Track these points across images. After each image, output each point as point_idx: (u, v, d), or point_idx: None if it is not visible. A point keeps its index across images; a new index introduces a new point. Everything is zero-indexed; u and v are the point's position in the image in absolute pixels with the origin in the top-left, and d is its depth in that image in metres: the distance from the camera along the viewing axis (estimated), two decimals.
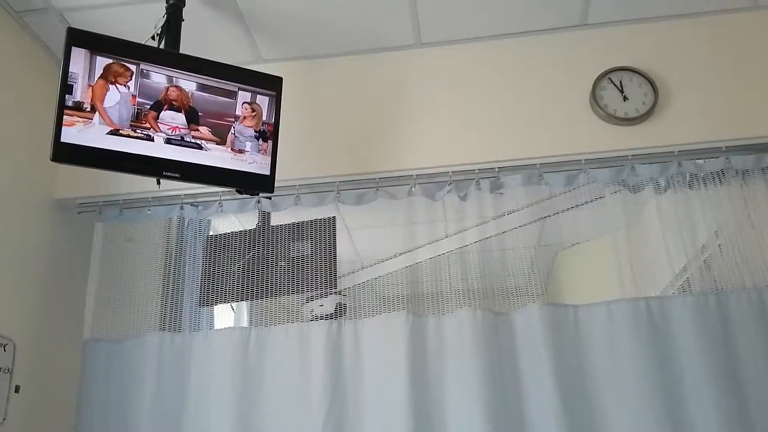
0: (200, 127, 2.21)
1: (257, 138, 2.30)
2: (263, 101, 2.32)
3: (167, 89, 2.16)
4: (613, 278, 2.43)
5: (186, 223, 2.70)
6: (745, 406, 2.12)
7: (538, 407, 2.21)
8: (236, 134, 2.26)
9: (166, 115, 2.16)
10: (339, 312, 2.62)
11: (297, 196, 2.60)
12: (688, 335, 2.22)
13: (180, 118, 2.18)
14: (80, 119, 2.04)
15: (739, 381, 2.15)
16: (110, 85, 2.09)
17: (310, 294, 2.58)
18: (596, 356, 2.26)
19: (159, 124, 2.14)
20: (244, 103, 2.28)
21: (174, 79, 2.18)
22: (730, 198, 2.45)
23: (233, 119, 2.26)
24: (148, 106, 2.14)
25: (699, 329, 2.21)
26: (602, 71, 2.56)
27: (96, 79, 2.07)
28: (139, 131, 2.12)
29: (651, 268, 2.49)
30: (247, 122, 2.27)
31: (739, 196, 2.45)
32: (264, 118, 2.32)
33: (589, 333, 2.29)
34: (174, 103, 2.17)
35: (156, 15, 2.32)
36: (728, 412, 2.10)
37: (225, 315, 2.72)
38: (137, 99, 2.12)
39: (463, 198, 2.56)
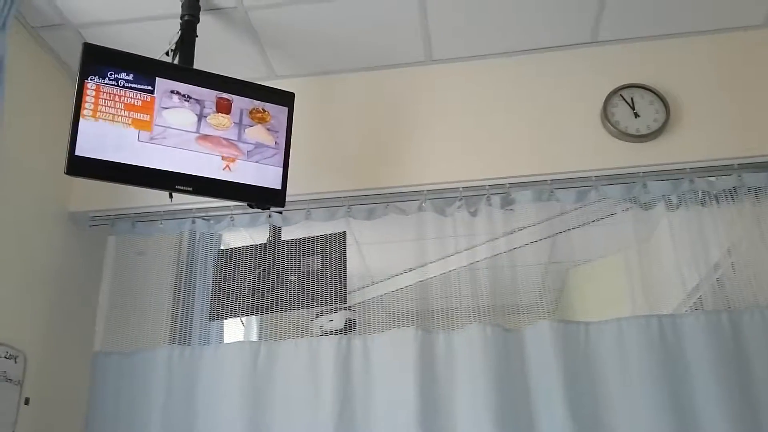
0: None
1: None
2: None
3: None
4: (625, 296, 2.41)
5: (197, 237, 2.72)
6: (758, 423, 2.10)
7: (548, 424, 2.20)
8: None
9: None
10: (348, 327, 2.61)
11: (308, 211, 2.61)
12: (700, 353, 2.20)
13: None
14: None
15: (751, 399, 2.13)
16: None
17: (319, 309, 2.57)
18: (607, 373, 2.24)
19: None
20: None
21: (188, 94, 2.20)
22: (743, 216, 2.43)
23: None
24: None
25: (711, 347, 2.20)
26: (613, 88, 2.56)
27: None
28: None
29: (663, 286, 2.47)
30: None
31: (751, 214, 2.43)
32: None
33: (601, 350, 2.28)
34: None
35: (170, 31, 2.35)
36: (740, 429, 2.07)
37: (235, 329, 2.72)
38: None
39: (474, 214, 2.55)
